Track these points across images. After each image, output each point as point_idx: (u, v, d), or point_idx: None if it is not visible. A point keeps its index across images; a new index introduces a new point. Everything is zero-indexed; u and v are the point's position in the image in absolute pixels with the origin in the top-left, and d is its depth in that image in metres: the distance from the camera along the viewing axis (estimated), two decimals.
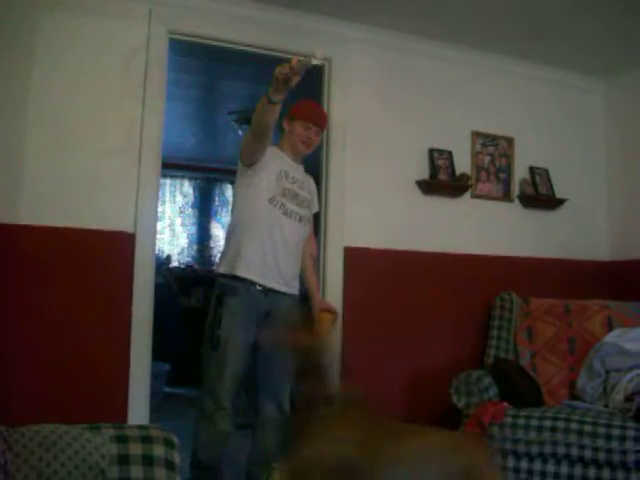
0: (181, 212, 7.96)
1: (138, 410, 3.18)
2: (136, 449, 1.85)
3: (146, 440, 1.89)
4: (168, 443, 1.91)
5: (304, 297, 3.29)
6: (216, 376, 2.84)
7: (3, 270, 2.97)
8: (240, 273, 2.88)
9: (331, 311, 3.21)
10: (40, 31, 3.15)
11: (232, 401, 2.85)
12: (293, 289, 3.04)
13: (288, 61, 2.46)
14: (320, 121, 3.12)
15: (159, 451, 1.88)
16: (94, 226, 3.17)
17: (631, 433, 2.76)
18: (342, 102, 3.74)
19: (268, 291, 2.92)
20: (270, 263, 2.92)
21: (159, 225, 5.98)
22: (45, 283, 3.07)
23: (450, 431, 2.19)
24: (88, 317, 3.12)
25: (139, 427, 1.99)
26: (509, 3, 3.44)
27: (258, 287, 2.90)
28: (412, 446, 1.96)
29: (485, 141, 4.13)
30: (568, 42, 3.90)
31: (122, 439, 1.86)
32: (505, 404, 3.14)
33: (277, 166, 3.00)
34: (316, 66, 2.42)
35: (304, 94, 3.31)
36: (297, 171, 3.12)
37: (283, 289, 2.97)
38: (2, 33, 3.07)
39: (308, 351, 2.19)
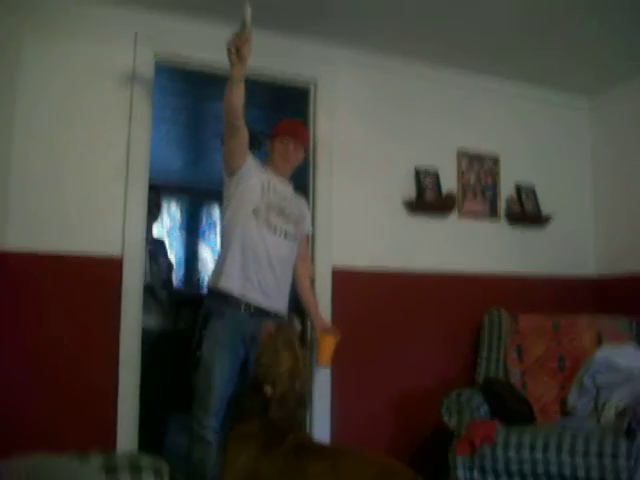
0: (169, 235, 7.93)
1: (127, 438, 3.14)
2: (125, 478, 1.83)
3: (135, 469, 1.87)
4: (157, 472, 1.90)
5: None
6: (201, 397, 2.82)
7: None
8: (222, 285, 2.87)
9: (333, 333, 3.20)
10: (25, 55, 3.16)
11: (218, 422, 2.81)
12: (279, 307, 2.99)
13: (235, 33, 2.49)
14: (297, 135, 3.12)
15: None
16: (81, 251, 3.15)
17: (623, 450, 2.76)
18: (328, 122, 3.76)
19: (254, 313, 2.89)
20: (252, 277, 2.89)
21: None
22: (30, 311, 3.05)
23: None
24: (75, 343, 3.10)
25: (128, 456, 1.97)
26: (493, 24, 3.49)
27: (244, 309, 2.88)
28: None
29: (471, 160, 4.15)
30: (552, 60, 3.95)
31: (111, 468, 1.84)
32: (496, 423, 3.13)
33: (262, 178, 3.00)
34: (246, 22, 2.45)
35: (290, 115, 3.33)
36: (285, 187, 3.12)
37: (265, 305, 2.92)
38: None
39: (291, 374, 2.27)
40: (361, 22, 3.53)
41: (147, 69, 3.38)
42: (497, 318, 3.84)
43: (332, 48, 3.78)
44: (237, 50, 2.53)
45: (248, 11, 2.45)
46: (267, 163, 3.14)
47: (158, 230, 7.72)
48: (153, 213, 4.35)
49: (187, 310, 4.29)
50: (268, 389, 2.27)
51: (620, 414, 3.11)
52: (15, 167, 3.10)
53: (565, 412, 3.41)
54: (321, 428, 3.52)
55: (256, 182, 2.97)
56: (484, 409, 3.27)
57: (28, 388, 2.99)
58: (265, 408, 2.25)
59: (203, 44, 3.44)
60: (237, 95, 2.68)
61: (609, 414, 3.17)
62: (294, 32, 3.63)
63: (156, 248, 4.33)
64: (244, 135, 2.86)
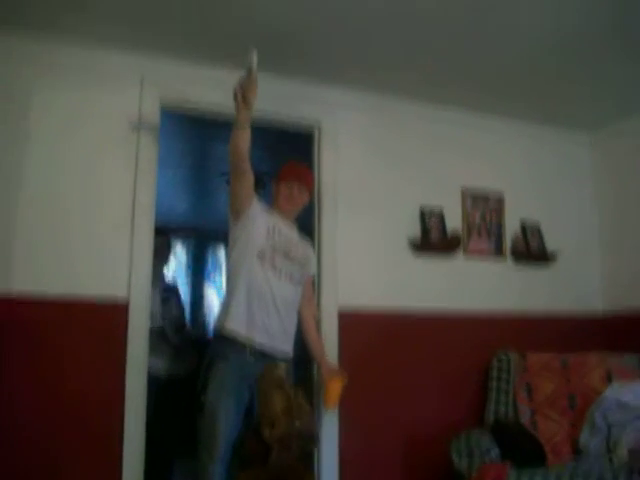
0: (174, 275, 7.94)
1: None
2: None
3: None
4: None
5: (299, 361, 3.25)
6: (206, 443, 2.78)
7: None
8: (227, 327, 2.86)
9: (340, 376, 3.17)
10: (32, 100, 3.21)
11: (224, 468, 2.75)
12: (284, 350, 2.98)
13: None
14: (301, 178, 3.15)
15: None
16: (87, 295, 3.16)
17: None
18: (333, 164, 3.79)
19: (258, 356, 2.87)
20: (257, 320, 2.88)
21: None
22: (36, 355, 3.04)
23: None
24: (81, 387, 3.08)
25: None
26: (494, 64, 3.54)
27: (249, 351, 2.86)
28: None
29: (475, 198, 4.17)
30: (553, 98, 4.00)
31: None
32: (507, 465, 3.08)
33: (268, 221, 3.02)
34: (252, 67, 2.53)
35: (295, 155, 3.37)
36: (290, 230, 3.13)
37: (270, 347, 2.90)
38: None
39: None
40: (363, 65, 3.59)
41: (153, 113, 3.43)
42: (505, 358, 3.81)
43: (335, 91, 3.83)
44: (243, 95, 2.58)
45: (254, 57, 2.50)
46: (272, 206, 3.16)
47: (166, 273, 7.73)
48: (163, 256, 4.34)
49: (194, 352, 4.26)
50: (267, 432, 2.25)
51: (632, 453, 3.07)
52: (20, 211, 3.13)
53: (577, 452, 3.36)
54: (329, 470, 3.47)
55: (261, 225, 2.98)
56: (494, 452, 3.21)
57: (34, 431, 2.97)
58: (267, 453, 2.22)
59: (209, 88, 3.49)
60: (243, 139, 2.71)
61: (621, 453, 3.13)
62: (298, 77, 3.69)
63: (169, 295, 4.32)
64: (250, 178, 2.89)
